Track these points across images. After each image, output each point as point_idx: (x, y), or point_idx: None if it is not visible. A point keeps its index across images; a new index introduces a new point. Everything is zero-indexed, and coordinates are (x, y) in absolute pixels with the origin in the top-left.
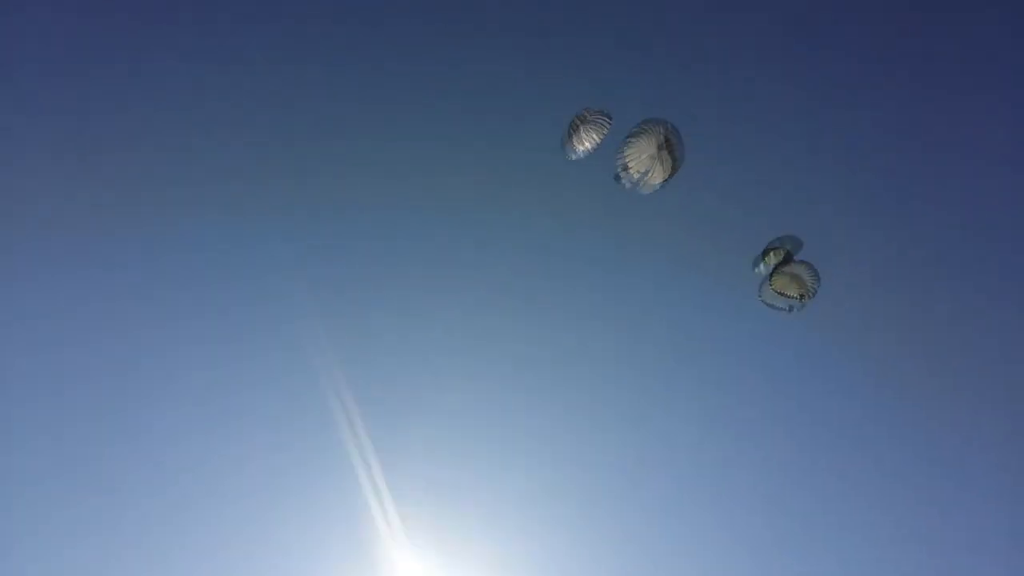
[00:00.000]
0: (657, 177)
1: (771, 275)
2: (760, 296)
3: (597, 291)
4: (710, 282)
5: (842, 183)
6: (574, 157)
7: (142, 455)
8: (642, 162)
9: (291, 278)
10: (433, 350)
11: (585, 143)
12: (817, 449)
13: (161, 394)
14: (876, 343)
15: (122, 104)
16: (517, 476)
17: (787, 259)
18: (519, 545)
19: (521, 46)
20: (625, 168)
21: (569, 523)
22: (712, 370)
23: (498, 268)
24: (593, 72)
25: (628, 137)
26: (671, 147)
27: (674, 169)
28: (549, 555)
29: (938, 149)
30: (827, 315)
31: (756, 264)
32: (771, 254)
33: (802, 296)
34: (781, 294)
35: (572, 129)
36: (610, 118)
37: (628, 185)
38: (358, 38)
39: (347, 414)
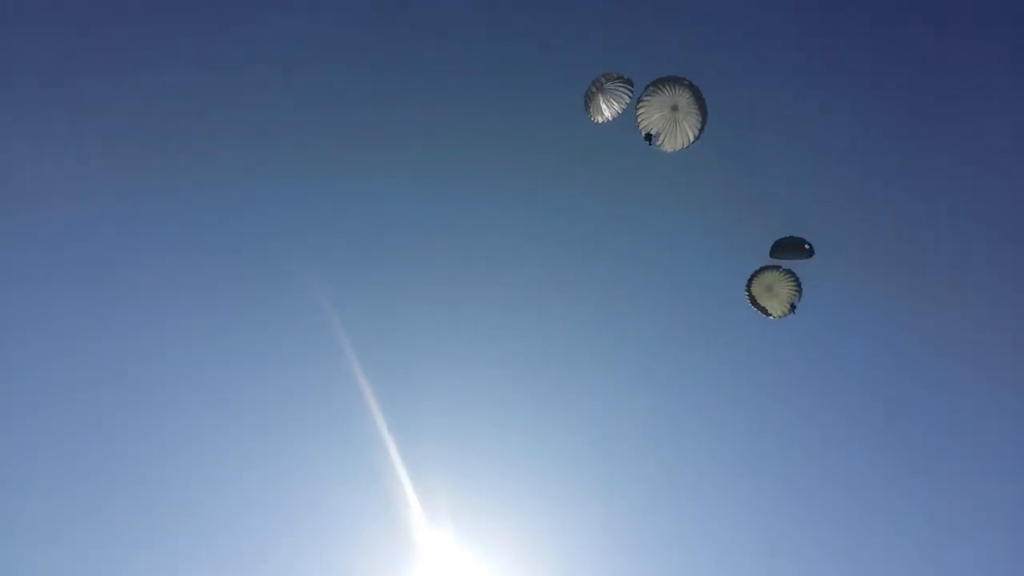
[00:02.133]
0: (671, 144)
1: (753, 277)
2: (746, 290)
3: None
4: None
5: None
6: (599, 120)
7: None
8: (653, 122)
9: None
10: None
11: (605, 113)
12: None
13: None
14: None
15: None
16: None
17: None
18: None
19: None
20: (644, 132)
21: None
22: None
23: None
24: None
25: (643, 95)
26: (694, 105)
27: (699, 129)
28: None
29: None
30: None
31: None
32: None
33: (771, 315)
34: (755, 302)
35: (589, 97)
36: (631, 84)
37: (654, 144)
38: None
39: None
